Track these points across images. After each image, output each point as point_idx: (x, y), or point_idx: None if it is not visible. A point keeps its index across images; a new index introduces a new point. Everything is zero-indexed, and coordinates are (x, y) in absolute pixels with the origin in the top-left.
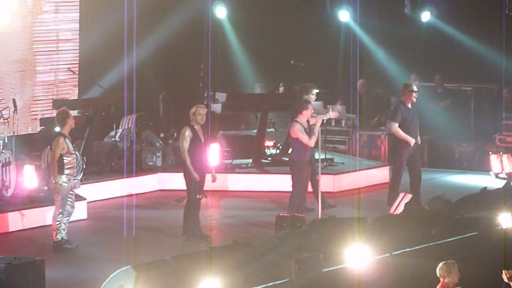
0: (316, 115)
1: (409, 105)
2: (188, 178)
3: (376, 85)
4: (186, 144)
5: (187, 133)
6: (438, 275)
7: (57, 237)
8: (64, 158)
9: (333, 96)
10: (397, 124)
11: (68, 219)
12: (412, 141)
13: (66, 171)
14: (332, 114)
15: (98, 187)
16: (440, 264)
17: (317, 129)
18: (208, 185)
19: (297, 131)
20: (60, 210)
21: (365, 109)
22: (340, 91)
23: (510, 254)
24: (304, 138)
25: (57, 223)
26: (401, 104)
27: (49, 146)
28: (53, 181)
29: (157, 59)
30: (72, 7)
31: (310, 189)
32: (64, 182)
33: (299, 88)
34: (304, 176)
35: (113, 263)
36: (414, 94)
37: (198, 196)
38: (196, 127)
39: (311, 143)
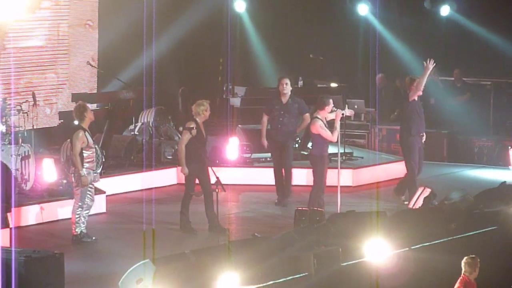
0: (335, 109)
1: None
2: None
3: (395, 79)
4: (187, 137)
5: (192, 126)
6: (463, 269)
7: (76, 230)
8: (84, 151)
9: (351, 91)
10: None
11: (87, 213)
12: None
13: (86, 165)
14: (347, 112)
15: (117, 180)
16: (466, 259)
17: (338, 123)
18: (227, 179)
19: (319, 128)
20: (80, 204)
21: (384, 103)
22: (359, 85)
23: None
24: (327, 134)
25: (77, 216)
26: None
27: (68, 140)
28: (79, 174)
29: (176, 53)
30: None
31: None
32: (84, 175)
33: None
34: (325, 170)
35: (132, 256)
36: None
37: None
38: (199, 122)
39: (334, 138)
